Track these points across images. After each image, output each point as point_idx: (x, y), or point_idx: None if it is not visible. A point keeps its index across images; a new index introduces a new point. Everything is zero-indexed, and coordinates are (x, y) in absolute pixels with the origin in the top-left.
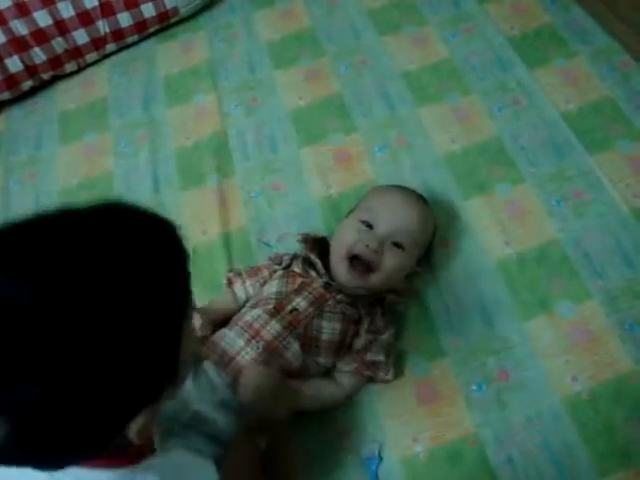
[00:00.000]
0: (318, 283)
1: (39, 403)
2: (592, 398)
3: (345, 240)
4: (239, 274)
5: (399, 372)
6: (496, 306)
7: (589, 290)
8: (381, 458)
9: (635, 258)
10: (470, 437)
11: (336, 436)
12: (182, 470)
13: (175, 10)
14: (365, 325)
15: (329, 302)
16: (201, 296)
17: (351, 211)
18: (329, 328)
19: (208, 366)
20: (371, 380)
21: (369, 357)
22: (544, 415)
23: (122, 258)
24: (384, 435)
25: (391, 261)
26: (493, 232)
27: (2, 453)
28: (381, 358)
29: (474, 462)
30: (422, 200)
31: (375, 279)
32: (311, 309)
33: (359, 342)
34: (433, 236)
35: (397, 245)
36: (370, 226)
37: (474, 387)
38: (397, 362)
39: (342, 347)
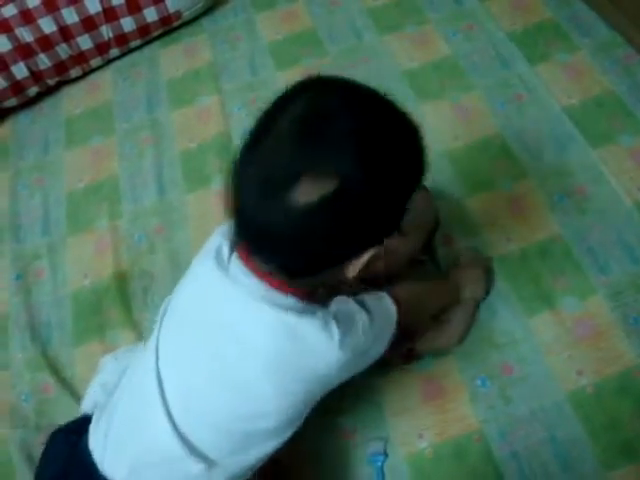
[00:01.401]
0: None
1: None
2: (597, 392)
3: None
4: None
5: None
6: (500, 301)
7: (593, 285)
8: (386, 454)
9: (639, 252)
10: (475, 433)
11: (342, 433)
12: (354, 314)
13: (178, 14)
14: None
15: None
16: None
17: None
18: None
19: None
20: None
21: None
22: (549, 410)
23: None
24: (389, 432)
25: (392, 247)
26: (496, 228)
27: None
28: None
29: (479, 457)
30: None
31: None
32: None
33: None
34: (437, 225)
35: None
36: None
37: (478, 382)
38: None
39: None
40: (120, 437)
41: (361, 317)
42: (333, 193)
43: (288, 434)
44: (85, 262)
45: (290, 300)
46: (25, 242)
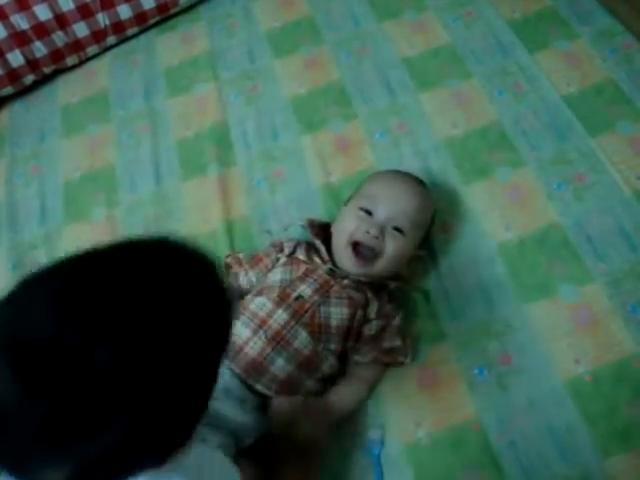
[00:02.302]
0: (322, 269)
1: (112, 449)
2: (594, 381)
3: (345, 228)
4: (240, 263)
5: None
6: (497, 290)
7: (591, 273)
8: (383, 444)
9: (637, 240)
10: (472, 422)
11: (339, 423)
12: (203, 468)
13: (174, 1)
14: (374, 308)
15: (334, 288)
16: None
17: (350, 198)
18: (337, 313)
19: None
20: (388, 365)
21: (386, 344)
22: (546, 398)
23: (178, 304)
24: (386, 421)
25: (392, 246)
26: (494, 216)
27: None
28: (398, 343)
29: (476, 446)
30: (420, 183)
31: (379, 265)
32: (316, 296)
33: (371, 328)
34: (433, 218)
35: (397, 230)
36: (369, 213)
37: (476, 371)
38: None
39: (351, 333)
40: None
41: None
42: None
43: None
44: None
45: None
46: (21, 232)
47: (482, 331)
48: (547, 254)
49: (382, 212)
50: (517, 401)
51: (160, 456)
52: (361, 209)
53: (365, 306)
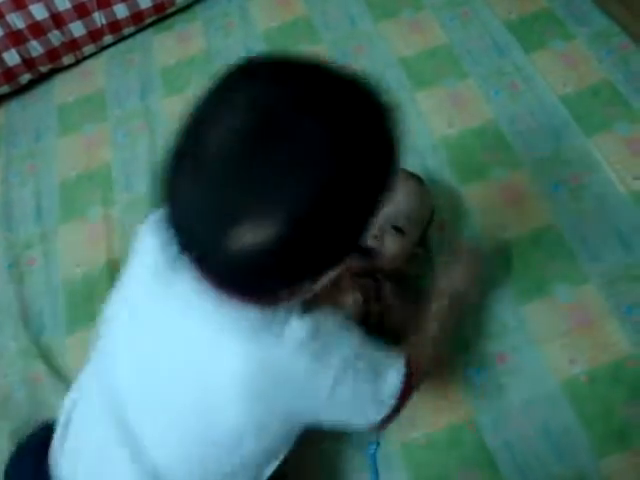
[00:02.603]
0: None
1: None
2: (590, 381)
3: None
4: None
5: None
6: (492, 290)
7: (586, 274)
8: (379, 443)
9: (633, 241)
10: (468, 422)
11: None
12: (335, 325)
13: (171, 0)
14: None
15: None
16: None
17: None
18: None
19: None
20: None
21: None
22: (542, 399)
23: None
24: None
25: (392, 246)
26: (489, 216)
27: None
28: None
29: (472, 446)
30: (418, 180)
31: (376, 264)
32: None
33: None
34: (432, 216)
35: (396, 229)
36: None
37: (472, 372)
38: None
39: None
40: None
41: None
42: (278, 239)
43: (267, 469)
44: (78, 251)
45: (254, 316)
46: (17, 230)
47: (478, 331)
48: (543, 254)
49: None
50: (513, 401)
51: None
52: None
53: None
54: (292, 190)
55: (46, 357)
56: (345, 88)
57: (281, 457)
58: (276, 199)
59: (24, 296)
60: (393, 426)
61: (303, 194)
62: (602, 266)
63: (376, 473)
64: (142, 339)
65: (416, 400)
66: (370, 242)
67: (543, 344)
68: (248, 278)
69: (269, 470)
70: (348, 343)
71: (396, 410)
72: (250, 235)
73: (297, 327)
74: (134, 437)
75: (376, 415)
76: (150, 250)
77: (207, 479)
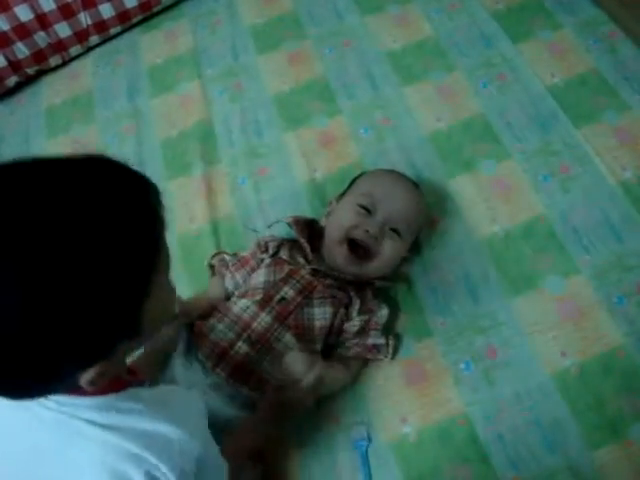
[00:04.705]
0: (305, 270)
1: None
2: (581, 373)
3: (342, 223)
4: (225, 266)
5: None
6: (483, 283)
7: (577, 265)
8: (370, 439)
9: (623, 231)
10: (459, 416)
11: (326, 419)
12: (169, 401)
13: None
14: (357, 306)
15: (317, 288)
16: (190, 283)
17: (342, 194)
18: (321, 313)
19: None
20: (368, 361)
21: (370, 341)
22: (533, 391)
23: (92, 208)
24: (372, 417)
25: (390, 248)
26: (479, 209)
27: None
28: (382, 341)
29: (464, 440)
30: (416, 186)
31: (372, 266)
32: (299, 298)
33: (354, 324)
34: (424, 222)
35: (395, 231)
36: (368, 211)
37: (462, 366)
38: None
39: (332, 331)
40: None
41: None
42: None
43: None
44: None
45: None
46: None
47: (468, 325)
48: (533, 246)
49: (383, 212)
50: (504, 394)
51: (83, 358)
52: (360, 206)
53: (348, 305)
54: None
55: None
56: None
57: None
58: None
59: None
60: (383, 423)
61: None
62: (592, 257)
63: (368, 470)
64: None
65: (406, 396)
66: (368, 241)
67: (534, 336)
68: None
69: None
70: (200, 438)
71: None
72: None
73: (158, 426)
74: None
75: None
76: None
77: None
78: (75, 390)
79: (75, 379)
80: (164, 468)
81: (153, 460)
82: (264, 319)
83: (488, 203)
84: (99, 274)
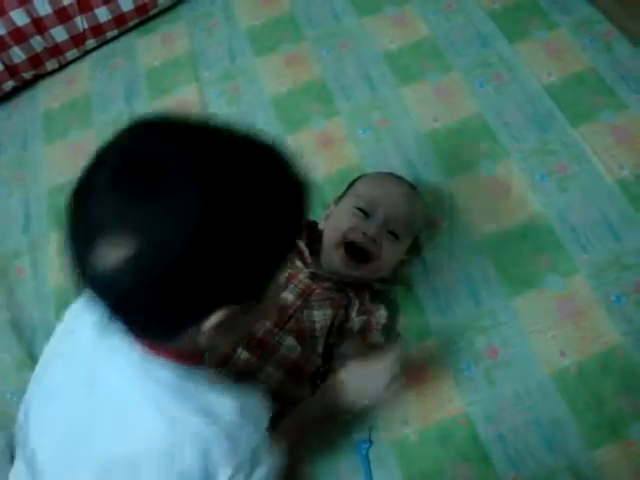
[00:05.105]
0: (304, 274)
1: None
2: (580, 372)
3: (340, 226)
4: None
5: None
6: (483, 284)
7: (575, 264)
8: (371, 441)
9: (621, 230)
10: (460, 416)
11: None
12: (240, 392)
13: (153, 2)
14: (355, 307)
15: (316, 291)
16: None
17: (340, 197)
18: (320, 315)
19: None
20: None
21: (369, 339)
22: (533, 391)
23: (272, 175)
24: (374, 418)
25: (388, 251)
26: (477, 209)
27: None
28: (381, 340)
29: (464, 441)
30: (414, 189)
31: (370, 268)
32: (299, 302)
33: (354, 325)
34: (422, 225)
35: (393, 234)
36: (367, 214)
37: (463, 366)
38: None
39: (332, 332)
40: None
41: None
42: (133, 257)
43: None
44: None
45: (166, 372)
46: (5, 240)
47: (469, 326)
48: (531, 246)
49: (381, 215)
50: (504, 394)
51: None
52: (358, 209)
53: (347, 306)
54: (152, 213)
55: None
56: (231, 135)
57: None
58: (131, 222)
59: (15, 306)
60: (384, 423)
61: (165, 220)
62: (591, 256)
63: (369, 471)
64: (73, 401)
65: (407, 396)
66: (367, 244)
67: (533, 336)
68: (125, 302)
69: None
70: (262, 431)
71: None
72: (107, 253)
73: (225, 407)
74: None
75: None
76: (88, 324)
77: None
78: (159, 347)
79: (199, 323)
80: (224, 454)
81: (214, 441)
82: (264, 324)
83: (486, 203)
84: (263, 224)
